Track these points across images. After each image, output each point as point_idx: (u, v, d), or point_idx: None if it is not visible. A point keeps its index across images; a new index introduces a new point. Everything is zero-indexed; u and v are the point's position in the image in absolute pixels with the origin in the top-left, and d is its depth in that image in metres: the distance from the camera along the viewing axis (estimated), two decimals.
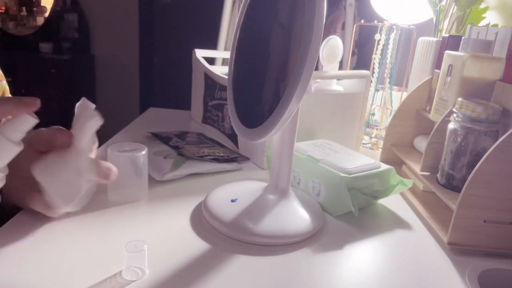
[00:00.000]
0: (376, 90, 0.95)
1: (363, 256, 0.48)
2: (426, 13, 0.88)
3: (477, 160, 0.48)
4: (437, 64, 0.73)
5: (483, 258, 0.49)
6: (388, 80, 0.94)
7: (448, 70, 0.63)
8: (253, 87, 0.52)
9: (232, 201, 0.52)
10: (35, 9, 2.97)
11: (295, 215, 0.51)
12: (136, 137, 0.82)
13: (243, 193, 0.55)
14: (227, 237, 0.48)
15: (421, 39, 0.82)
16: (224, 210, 0.50)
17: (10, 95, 0.64)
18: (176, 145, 0.75)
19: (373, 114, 0.98)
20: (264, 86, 0.50)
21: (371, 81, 0.92)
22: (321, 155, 0.60)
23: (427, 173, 0.63)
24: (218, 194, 0.55)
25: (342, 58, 0.94)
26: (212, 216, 0.50)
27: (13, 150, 0.37)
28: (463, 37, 0.63)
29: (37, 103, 0.36)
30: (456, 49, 0.64)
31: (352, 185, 0.55)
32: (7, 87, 0.64)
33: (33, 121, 0.37)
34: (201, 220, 0.52)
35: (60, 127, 0.44)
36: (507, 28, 0.67)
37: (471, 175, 0.48)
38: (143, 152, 0.54)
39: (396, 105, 0.92)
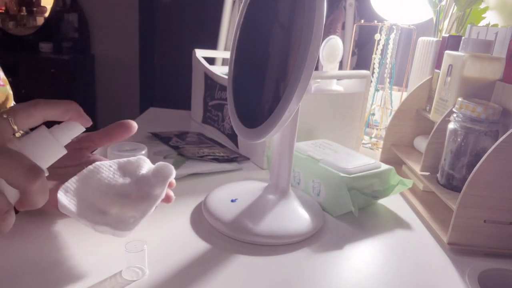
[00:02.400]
0: (376, 90, 0.95)
1: (363, 256, 0.48)
2: (426, 13, 0.88)
3: (477, 160, 0.48)
4: (437, 64, 0.73)
5: (483, 258, 0.49)
6: (388, 80, 0.94)
7: (448, 70, 0.63)
8: (253, 87, 0.52)
9: (232, 201, 0.52)
10: (35, 9, 2.97)
11: (295, 215, 0.51)
12: (136, 137, 0.82)
13: (243, 193, 0.55)
14: (227, 237, 0.48)
15: (421, 39, 0.82)
16: (224, 210, 0.50)
17: (13, 100, 0.64)
18: (176, 145, 0.75)
19: (373, 114, 0.98)
20: (264, 86, 0.50)
21: (371, 81, 0.92)
22: (321, 155, 0.60)
23: (427, 173, 0.63)
24: (218, 194, 0.55)
25: (342, 58, 0.94)
26: (212, 216, 0.50)
27: (60, 153, 0.38)
28: (463, 37, 0.63)
29: (89, 123, 0.39)
30: (456, 49, 0.64)
31: (352, 185, 0.55)
32: (11, 92, 0.64)
33: (81, 128, 0.39)
34: (201, 220, 0.52)
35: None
36: (507, 28, 0.67)
37: (471, 175, 0.48)
38: (143, 152, 0.54)
39: (396, 105, 0.92)
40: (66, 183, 0.41)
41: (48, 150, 0.37)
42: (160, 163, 0.44)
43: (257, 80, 0.51)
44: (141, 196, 0.42)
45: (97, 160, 0.48)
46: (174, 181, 0.44)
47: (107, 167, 0.45)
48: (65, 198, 0.40)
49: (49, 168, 0.39)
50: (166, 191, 0.43)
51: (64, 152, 0.38)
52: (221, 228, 0.49)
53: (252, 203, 0.52)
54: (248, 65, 0.53)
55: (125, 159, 0.46)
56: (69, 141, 0.39)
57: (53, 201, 0.39)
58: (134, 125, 0.46)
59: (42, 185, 0.32)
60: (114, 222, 0.39)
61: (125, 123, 0.45)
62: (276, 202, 0.52)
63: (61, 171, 0.45)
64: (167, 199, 0.44)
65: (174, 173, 0.43)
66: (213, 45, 1.82)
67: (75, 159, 0.47)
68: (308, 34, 0.40)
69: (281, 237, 0.48)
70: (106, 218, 0.39)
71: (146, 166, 0.45)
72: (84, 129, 0.40)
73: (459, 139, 0.56)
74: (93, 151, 0.50)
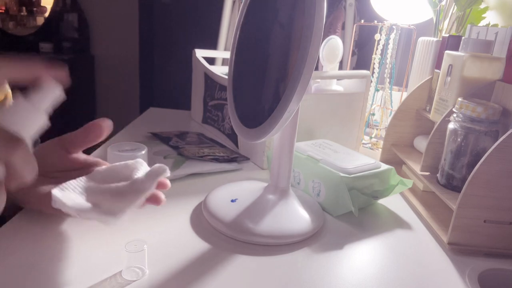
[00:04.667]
0: (376, 90, 0.95)
1: (363, 256, 0.48)
2: (426, 13, 0.88)
3: (477, 160, 0.48)
4: (437, 64, 0.73)
5: (483, 258, 0.49)
6: (388, 80, 0.94)
7: (448, 70, 0.63)
8: (253, 87, 0.52)
9: (232, 201, 0.52)
10: (35, 9, 2.97)
11: (295, 215, 0.51)
12: (136, 137, 0.82)
13: (243, 193, 0.55)
14: (227, 237, 0.48)
15: (421, 39, 0.82)
16: (224, 210, 0.50)
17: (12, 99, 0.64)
18: (176, 145, 0.75)
19: (373, 114, 0.98)
20: (264, 86, 0.50)
21: (371, 81, 0.92)
22: (321, 155, 0.60)
23: (427, 173, 0.63)
24: (218, 194, 0.55)
25: (342, 58, 0.94)
26: (212, 216, 0.50)
27: (40, 119, 0.35)
28: (463, 37, 0.63)
29: (66, 78, 0.36)
30: (456, 49, 0.64)
31: (352, 185, 0.55)
32: (9, 90, 0.64)
33: (58, 90, 0.37)
34: (201, 220, 0.52)
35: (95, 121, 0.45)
36: (507, 28, 0.67)
37: (471, 175, 0.48)
38: (143, 152, 0.54)
39: (396, 105, 0.92)
40: (63, 184, 0.41)
41: (28, 118, 0.34)
42: (156, 165, 0.44)
43: (257, 80, 0.51)
44: (132, 193, 0.42)
45: (93, 163, 0.48)
46: (168, 182, 0.44)
47: (102, 172, 0.45)
48: (59, 193, 0.40)
49: (46, 174, 0.38)
50: (157, 193, 0.43)
51: (44, 118, 0.36)
52: (221, 228, 0.49)
53: (252, 203, 0.52)
54: (248, 65, 0.53)
55: (122, 162, 0.46)
56: (48, 105, 0.36)
57: (50, 203, 0.39)
58: (107, 123, 0.44)
59: (25, 154, 0.30)
60: (101, 211, 0.38)
61: (96, 124, 0.44)
62: (276, 202, 0.52)
63: (59, 175, 0.45)
64: (156, 200, 0.43)
65: (167, 172, 0.43)
66: (213, 45, 1.82)
67: (68, 163, 0.47)
68: (308, 34, 0.40)
69: (281, 237, 0.48)
70: (95, 208, 0.39)
71: (143, 169, 0.45)
72: (63, 94, 0.37)
73: (459, 139, 0.56)
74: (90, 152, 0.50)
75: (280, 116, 0.43)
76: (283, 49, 0.47)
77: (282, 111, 0.43)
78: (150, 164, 0.62)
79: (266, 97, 0.48)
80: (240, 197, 0.53)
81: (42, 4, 2.97)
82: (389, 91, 0.94)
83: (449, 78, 0.63)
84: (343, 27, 1.82)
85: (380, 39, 0.92)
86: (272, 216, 0.50)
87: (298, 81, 0.41)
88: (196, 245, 0.46)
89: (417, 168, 0.65)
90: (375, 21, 0.94)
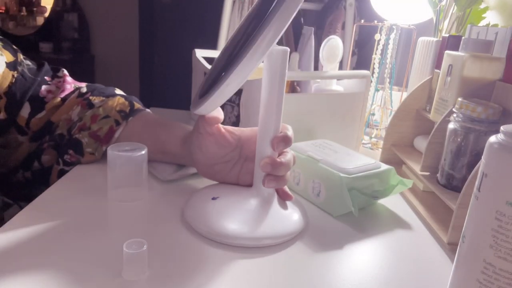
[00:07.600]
0: (376, 90, 0.95)
1: (363, 256, 0.48)
2: (426, 13, 0.88)
3: (477, 160, 0.48)
4: (437, 64, 0.73)
5: None
6: (388, 80, 0.94)
7: (448, 70, 0.63)
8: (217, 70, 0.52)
9: (213, 199, 0.51)
10: (35, 9, 2.97)
11: (283, 214, 0.51)
12: None
13: (225, 191, 0.53)
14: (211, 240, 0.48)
15: (421, 39, 0.82)
16: (204, 210, 0.49)
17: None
18: None
19: (373, 114, 0.98)
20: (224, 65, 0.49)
21: (371, 81, 0.92)
22: (321, 155, 0.60)
23: (427, 173, 0.63)
24: (200, 195, 0.54)
25: (342, 58, 0.94)
26: (192, 218, 0.50)
27: None
28: (463, 37, 0.63)
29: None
30: (456, 49, 0.64)
31: (352, 185, 0.55)
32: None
33: None
34: None
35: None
36: (507, 28, 0.67)
37: (471, 175, 0.48)
38: (143, 152, 0.54)
39: (396, 105, 0.92)
40: None
41: None
42: None
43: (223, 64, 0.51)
44: None
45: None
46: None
47: None
48: None
49: None
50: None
51: None
52: (205, 233, 0.48)
53: (231, 202, 0.51)
54: (222, 55, 0.53)
55: None
56: None
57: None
58: None
59: None
60: None
61: None
62: (256, 202, 0.50)
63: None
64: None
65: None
66: (213, 45, 1.82)
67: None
68: (274, 11, 0.40)
69: (281, 237, 0.48)
70: None
71: None
72: None
73: (459, 139, 0.56)
74: None
75: (220, 84, 0.43)
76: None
77: (222, 81, 0.43)
78: (153, 163, 0.62)
79: (219, 71, 0.48)
80: (221, 195, 0.52)
81: (42, 4, 2.98)
82: (389, 91, 0.94)
83: (449, 78, 0.63)
84: (343, 27, 1.82)
85: (380, 39, 0.92)
86: (253, 215, 0.48)
87: (248, 51, 0.40)
88: (196, 245, 0.46)
89: (417, 168, 0.65)
90: (375, 21, 0.94)
